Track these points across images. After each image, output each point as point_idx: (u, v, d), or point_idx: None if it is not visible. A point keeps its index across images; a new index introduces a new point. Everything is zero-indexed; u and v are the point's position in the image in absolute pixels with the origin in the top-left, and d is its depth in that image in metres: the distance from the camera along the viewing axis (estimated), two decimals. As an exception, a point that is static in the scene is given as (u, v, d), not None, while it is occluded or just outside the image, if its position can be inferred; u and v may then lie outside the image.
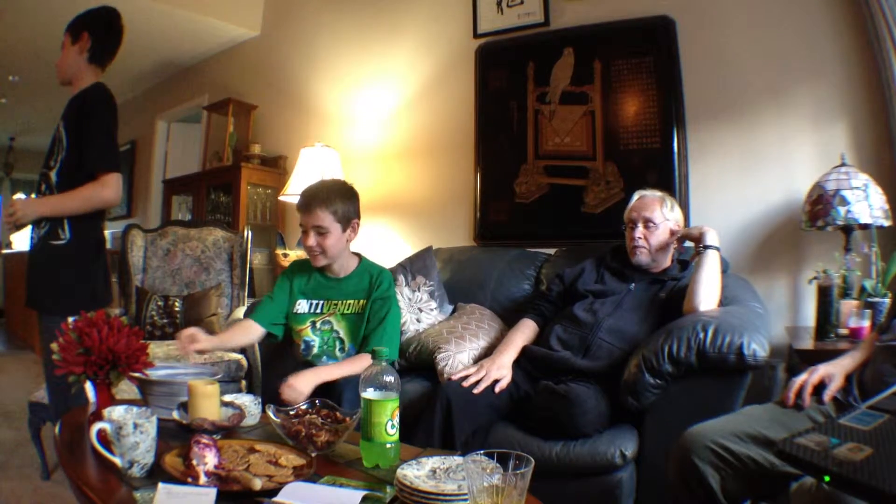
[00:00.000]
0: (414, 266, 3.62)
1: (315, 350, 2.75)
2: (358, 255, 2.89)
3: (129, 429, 1.57)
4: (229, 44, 6.37)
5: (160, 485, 1.42)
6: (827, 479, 1.15)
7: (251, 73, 6.10)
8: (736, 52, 3.49)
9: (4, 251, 10.79)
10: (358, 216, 2.79)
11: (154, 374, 2.17)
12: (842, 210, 2.76)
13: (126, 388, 2.57)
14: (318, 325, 2.76)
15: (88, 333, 1.94)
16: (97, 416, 1.78)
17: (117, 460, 1.60)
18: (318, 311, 2.77)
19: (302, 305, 2.80)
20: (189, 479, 1.48)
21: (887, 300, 2.68)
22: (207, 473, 1.50)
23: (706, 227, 2.72)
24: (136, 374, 2.06)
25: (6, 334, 8.90)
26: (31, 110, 9.31)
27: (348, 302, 2.77)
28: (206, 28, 6.04)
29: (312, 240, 2.67)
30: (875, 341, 1.87)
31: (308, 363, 2.69)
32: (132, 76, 7.56)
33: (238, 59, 6.34)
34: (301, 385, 2.41)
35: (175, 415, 1.90)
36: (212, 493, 1.41)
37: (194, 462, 1.51)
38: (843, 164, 2.90)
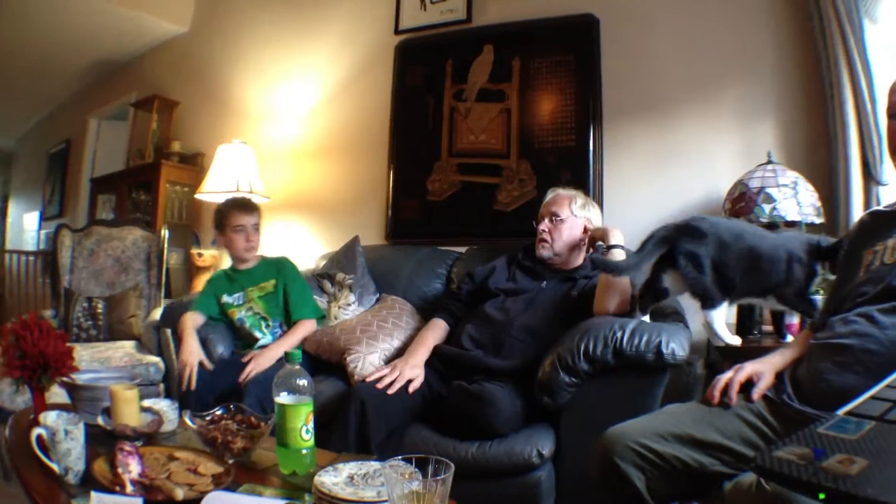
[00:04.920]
0: (335, 260, 3.66)
1: (247, 325, 3.27)
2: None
3: (62, 435, 1.58)
4: (160, 40, 6.25)
5: (92, 493, 1.44)
6: (822, 496, 1.06)
7: (178, 69, 5.99)
8: (662, 51, 3.52)
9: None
10: None
11: (79, 377, 2.16)
12: (766, 207, 2.75)
13: (58, 392, 2.54)
14: (243, 311, 3.29)
15: (23, 336, 1.92)
16: (36, 422, 1.77)
17: (55, 466, 1.60)
18: (241, 301, 3.31)
19: (228, 298, 3.33)
20: (117, 488, 1.49)
21: (820, 298, 2.66)
22: (133, 482, 1.51)
23: (610, 227, 2.72)
24: (64, 379, 2.05)
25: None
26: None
27: (261, 285, 3.32)
28: (138, 24, 5.94)
29: (253, 234, 3.33)
30: (809, 339, 1.81)
31: (248, 334, 3.27)
32: (69, 75, 7.41)
33: (167, 56, 6.22)
34: (263, 360, 2.96)
35: (100, 420, 1.88)
36: (138, 502, 1.43)
37: (119, 470, 1.52)
38: (769, 162, 2.90)
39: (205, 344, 3.19)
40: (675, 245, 2.35)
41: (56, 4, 5.46)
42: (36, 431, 1.62)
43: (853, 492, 0.99)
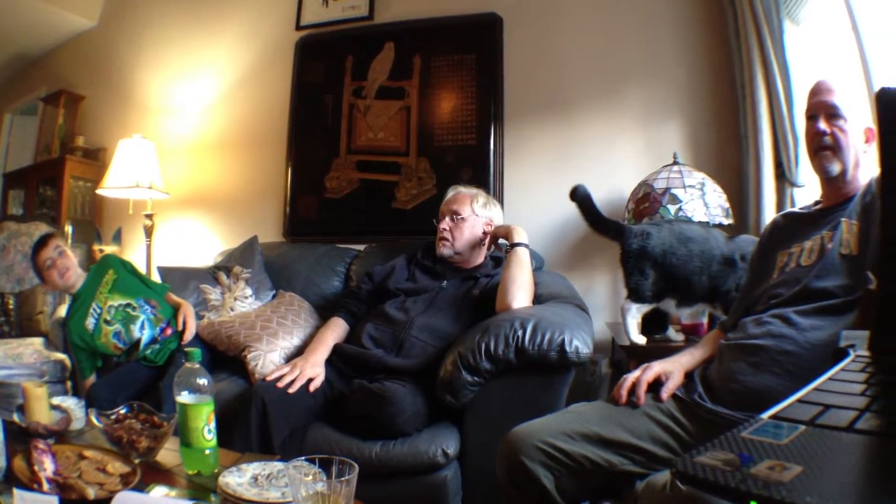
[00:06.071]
0: (233, 256, 3.64)
1: (124, 334, 3.09)
2: None
3: None
4: (70, 34, 6.07)
5: (15, 491, 1.44)
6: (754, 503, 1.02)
7: (86, 64, 5.82)
8: (566, 50, 3.55)
9: None
10: None
11: (-6, 375, 2.17)
12: (672, 208, 2.77)
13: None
14: (108, 319, 3.13)
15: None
16: (-42, 419, 1.78)
17: None
18: (99, 311, 3.16)
19: (90, 322, 3.14)
20: (35, 486, 1.49)
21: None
22: (49, 480, 1.50)
23: (513, 225, 2.73)
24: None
25: None
26: None
27: (103, 282, 3.25)
28: (50, 18, 5.77)
29: (61, 260, 3.25)
30: (720, 339, 1.83)
31: (130, 343, 3.08)
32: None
33: (76, 50, 6.04)
34: (190, 317, 3.12)
35: (15, 417, 1.88)
36: (54, 501, 1.43)
37: (36, 468, 1.52)
38: (675, 163, 2.93)
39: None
40: (624, 244, 2.46)
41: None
42: None
43: (789, 499, 0.88)
